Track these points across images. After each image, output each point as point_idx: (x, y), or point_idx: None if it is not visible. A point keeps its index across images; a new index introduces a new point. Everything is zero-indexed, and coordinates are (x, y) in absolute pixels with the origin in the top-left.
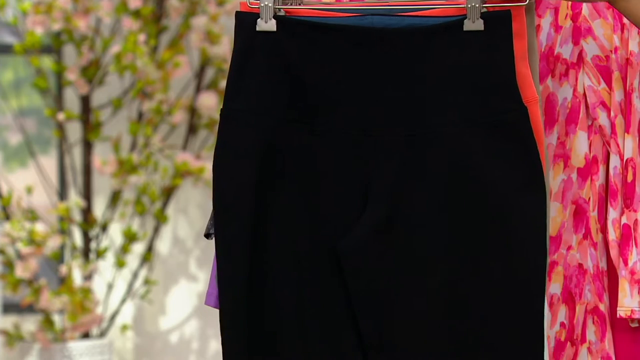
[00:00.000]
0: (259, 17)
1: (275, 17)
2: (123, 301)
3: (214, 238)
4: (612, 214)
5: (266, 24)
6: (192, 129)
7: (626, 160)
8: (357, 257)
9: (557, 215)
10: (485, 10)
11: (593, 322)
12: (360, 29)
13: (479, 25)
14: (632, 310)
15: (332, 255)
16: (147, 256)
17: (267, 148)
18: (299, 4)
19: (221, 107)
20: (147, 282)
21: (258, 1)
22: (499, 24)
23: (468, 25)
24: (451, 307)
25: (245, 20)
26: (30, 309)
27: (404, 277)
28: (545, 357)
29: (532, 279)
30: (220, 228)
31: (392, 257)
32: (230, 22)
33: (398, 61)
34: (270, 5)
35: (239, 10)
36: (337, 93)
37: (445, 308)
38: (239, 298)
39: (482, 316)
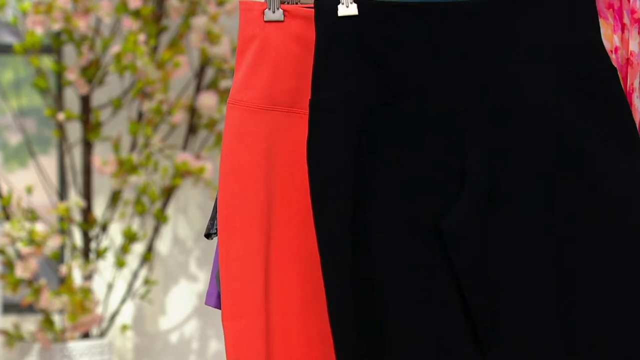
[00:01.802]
0: (338, 2)
1: (355, 0)
2: (123, 301)
3: (214, 238)
4: None
5: (347, 9)
6: (192, 129)
7: None
8: (461, 235)
9: None
10: None
11: None
12: (440, 4)
13: None
14: None
15: (435, 235)
16: (147, 256)
17: (359, 134)
18: (297, 2)
19: (310, 97)
20: (147, 282)
21: None
22: None
23: None
24: (557, 279)
25: (327, 7)
26: (30, 309)
27: (509, 252)
28: None
29: (637, 246)
30: (320, 218)
31: (496, 233)
32: (230, 22)
33: (478, 32)
34: None
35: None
36: (421, 72)
37: (551, 281)
38: (345, 285)
39: (588, 288)
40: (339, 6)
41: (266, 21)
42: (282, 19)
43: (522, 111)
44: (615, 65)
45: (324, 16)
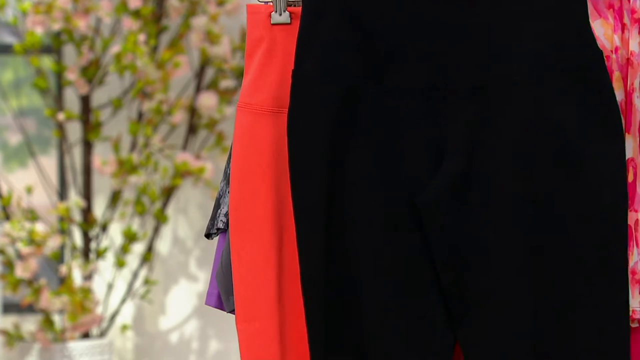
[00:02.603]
0: None
1: None
2: (123, 301)
3: (214, 238)
4: None
5: None
6: (192, 129)
7: (627, 160)
8: (436, 211)
9: None
10: None
11: None
12: None
13: None
14: (633, 310)
15: (412, 209)
16: (147, 256)
17: (340, 106)
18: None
19: (292, 69)
20: (147, 282)
21: None
22: None
23: None
24: (531, 258)
25: None
26: (30, 309)
27: (484, 229)
28: None
29: (612, 229)
30: (296, 189)
31: (471, 209)
32: (230, 22)
33: (465, 11)
34: None
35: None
36: (406, 47)
37: (524, 260)
38: (319, 259)
39: (561, 267)
40: None
41: (273, 24)
42: (289, 22)
43: (505, 91)
44: (616, 65)
45: None
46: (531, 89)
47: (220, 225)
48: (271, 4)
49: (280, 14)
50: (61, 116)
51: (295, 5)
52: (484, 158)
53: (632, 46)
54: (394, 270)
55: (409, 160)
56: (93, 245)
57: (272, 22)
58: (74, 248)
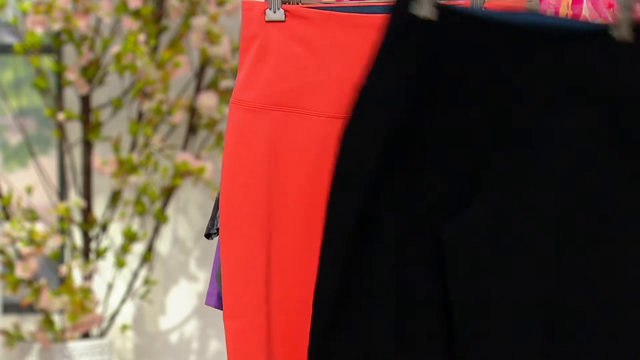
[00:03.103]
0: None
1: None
2: (123, 301)
3: (214, 238)
4: None
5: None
6: (192, 129)
7: None
8: (460, 245)
9: None
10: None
11: None
12: (530, 31)
13: (628, 34)
14: None
15: (436, 239)
16: (147, 256)
17: (391, 130)
18: (298, 2)
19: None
20: (147, 282)
21: None
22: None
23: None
24: (550, 317)
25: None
26: (30, 309)
27: (505, 274)
28: None
29: None
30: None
31: (497, 252)
32: (230, 22)
33: (545, 70)
34: None
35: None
36: (474, 85)
37: (543, 316)
38: (339, 279)
39: (582, 330)
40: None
41: (267, 21)
42: (283, 19)
43: (549, 139)
44: None
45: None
46: (575, 142)
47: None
48: (266, 1)
49: (275, 12)
50: (61, 116)
51: (289, 3)
52: (518, 201)
53: None
54: (408, 295)
55: (439, 190)
56: (93, 245)
57: (266, 19)
58: (74, 248)
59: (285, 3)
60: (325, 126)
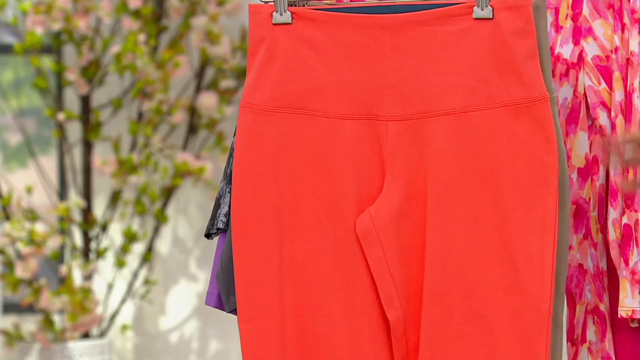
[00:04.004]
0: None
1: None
2: (123, 301)
3: (215, 238)
4: (612, 214)
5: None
6: (192, 129)
7: None
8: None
9: None
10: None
11: (593, 322)
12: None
13: (487, 13)
14: (633, 311)
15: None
16: (147, 256)
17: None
18: (304, 4)
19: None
20: (147, 282)
21: None
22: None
23: (477, 13)
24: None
25: None
26: (30, 309)
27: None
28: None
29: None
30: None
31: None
32: (230, 22)
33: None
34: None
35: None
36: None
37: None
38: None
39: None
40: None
41: (274, 24)
42: (290, 22)
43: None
44: (616, 65)
45: None
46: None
47: (220, 225)
48: (272, 3)
49: (282, 14)
50: (61, 116)
51: (296, 5)
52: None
53: (632, 46)
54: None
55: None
56: (93, 245)
57: (273, 22)
58: (74, 248)
59: (292, 5)
60: (334, 127)
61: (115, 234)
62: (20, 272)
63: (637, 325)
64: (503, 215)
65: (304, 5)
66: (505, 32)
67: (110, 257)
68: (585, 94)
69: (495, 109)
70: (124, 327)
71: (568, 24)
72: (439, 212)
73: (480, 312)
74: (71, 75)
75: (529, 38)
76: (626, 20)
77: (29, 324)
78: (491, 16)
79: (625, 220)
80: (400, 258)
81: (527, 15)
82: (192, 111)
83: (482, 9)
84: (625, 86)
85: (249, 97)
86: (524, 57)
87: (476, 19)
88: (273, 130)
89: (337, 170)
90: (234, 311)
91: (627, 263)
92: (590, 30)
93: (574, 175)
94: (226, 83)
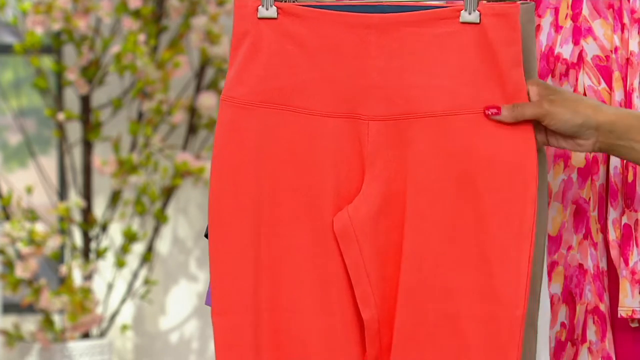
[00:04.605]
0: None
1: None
2: (123, 301)
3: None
4: (613, 214)
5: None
6: (192, 129)
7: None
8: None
9: (557, 215)
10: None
11: (593, 322)
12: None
13: (475, 17)
14: (633, 310)
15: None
16: (147, 256)
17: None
18: (292, 0)
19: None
20: (147, 282)
21: None
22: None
23: (464, 17)
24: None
25: None
26: (30, 309)
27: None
28: (545, 358)
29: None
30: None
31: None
32: (230, 22)
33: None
34: None
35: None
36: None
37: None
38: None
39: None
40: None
41: (259, 18)
42: (276, 16)
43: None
44: (615, 66)
45: None
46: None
47: None
48: None
49: (267, 9)
50: (61, 116)
51: (282, 1)
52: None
53: (632, 46)
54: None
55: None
56: (93, 245)
57: (258, 16)
58: (74, 248)
59: (278, 0)
60: (317, 125)
61: (115, 234)
62: (20, 272)
63: (637, 325)
64: (481, 220)
65: (292, 1)
66: (491, 38)
67: (110, 257)
68: (585, 94)
69: (478, 114)
70: (124, 327)
71: (568, 24)
72: (418, 214)
73: (453, 315)
74: (71, 75)
75: (514, 46)
76: (626, 20)
77: (29, 324)
78: (478, 21)
79: (625, 220)
80: (377, 257)
81: (514, 23)
82: (192, 111)
83: (470, 13)
84: (625, 86)
85: (231, 90)
86: (509, 65)
87: (463, 23)
88: (254, 125)
89: (317, 167)
90: None
91: (627, 263)
92: (590, 30)
93: (574, 175)
94: None
